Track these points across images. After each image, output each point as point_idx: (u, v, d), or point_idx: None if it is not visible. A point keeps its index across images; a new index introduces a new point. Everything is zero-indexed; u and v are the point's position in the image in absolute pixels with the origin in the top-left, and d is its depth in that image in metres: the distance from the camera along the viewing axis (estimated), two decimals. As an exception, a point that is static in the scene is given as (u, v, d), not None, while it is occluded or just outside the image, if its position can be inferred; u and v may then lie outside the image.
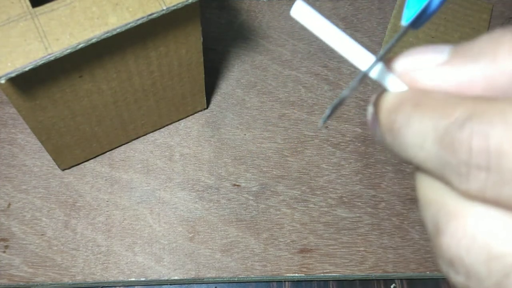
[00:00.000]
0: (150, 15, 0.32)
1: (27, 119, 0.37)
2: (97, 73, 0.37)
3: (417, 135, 0.16)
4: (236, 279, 0.44)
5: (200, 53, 0.41)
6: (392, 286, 0.45)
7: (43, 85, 0.35)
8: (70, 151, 0.44)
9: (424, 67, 0.17)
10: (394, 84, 0.18)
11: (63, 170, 0.47)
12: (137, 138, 0.48)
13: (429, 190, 0.16)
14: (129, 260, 0.44)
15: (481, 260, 0.14)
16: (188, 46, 0.39)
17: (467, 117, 0.14)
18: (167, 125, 0.49)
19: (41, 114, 0.37)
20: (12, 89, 0.34)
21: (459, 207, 0.15)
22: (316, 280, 0.45)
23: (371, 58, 0.18)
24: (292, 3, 0.20)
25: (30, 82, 0.34)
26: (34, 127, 0.39)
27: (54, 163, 0.46)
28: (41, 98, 0.36)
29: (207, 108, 0.50)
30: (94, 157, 0.47)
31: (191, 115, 0.49)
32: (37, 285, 0.43)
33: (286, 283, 0.45)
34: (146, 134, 0.48)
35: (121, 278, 0.43)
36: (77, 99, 0.38)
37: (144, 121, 0.46)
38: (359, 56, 0.19)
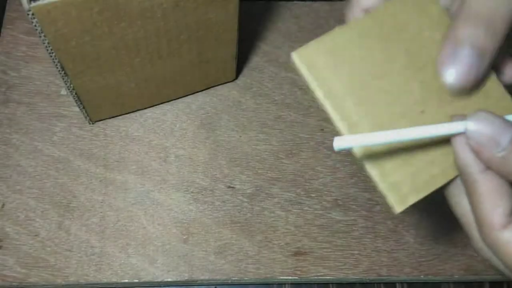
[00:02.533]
0: None
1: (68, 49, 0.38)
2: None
3: None
4: (229, 281, 0.44)
5: (236, 17, 0.42)
6: None
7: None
8: (102, 99, 0.45)
9: None
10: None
11: (94, 122, 0.48)
12: (168, 101, 0.50)
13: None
14: (122, 261, 0.44)
15: None
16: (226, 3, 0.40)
17: None
18: (197, 91, 0.50)
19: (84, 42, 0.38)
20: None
21: None
22: (316, 283, 0.45)
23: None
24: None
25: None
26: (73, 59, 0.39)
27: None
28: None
29: (236, 78, 0.51)
30: (124, 114, 0.49)
31: (221, 84, 0.51)
32: (30, 285, 0.43)
33: (287, 284, 0.45)
34: (177, 98, 0.50)
35: (114, 280, 0.43)
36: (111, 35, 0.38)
37: (175, 80, 0.47)
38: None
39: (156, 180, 0.47)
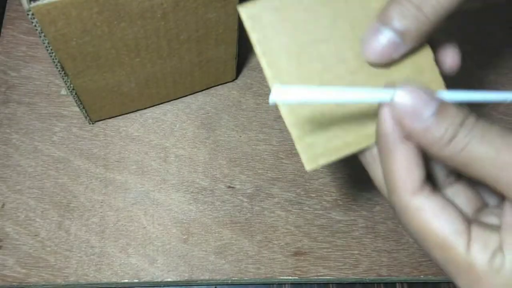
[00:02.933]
0: None
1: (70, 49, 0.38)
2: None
3: None
4: (229, 281, 0.44)
5: (236, 17, 0.42)
6: None
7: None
8: (102, 99, 0.45)
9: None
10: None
11: (94, 122, 0.48)
12: (168, 101, 0.50)
13: None
14: (122, 261, 0.44)
15: None
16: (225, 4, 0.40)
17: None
18: (197, 91, 0.51)
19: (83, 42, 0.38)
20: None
21: None
22: (316, 283, 0.45)
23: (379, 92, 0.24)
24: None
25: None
26: (74, 58, 0.39)
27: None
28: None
29: (236, 78, 0.51)
30: (124, 114, 0.50)
31: (221, 84, 0.51)
32: (30, 285, 0.43)
33: (287, 284, 0.45)
34: (177, 98, 0.50)
35: (114, 280, 0.43)
36: (110, 35, 0.38)
37: (175, 80, 0.47)
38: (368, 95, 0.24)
39: (156, 180, 0.47)
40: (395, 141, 0.25)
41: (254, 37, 0.26)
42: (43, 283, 0.42)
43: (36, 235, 0.44)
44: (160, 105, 0.50)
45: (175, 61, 0.44)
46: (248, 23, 0.25)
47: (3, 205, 0.45)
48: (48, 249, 0.44)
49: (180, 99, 0.50)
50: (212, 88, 0.51)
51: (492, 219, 0.26)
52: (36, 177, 0.46)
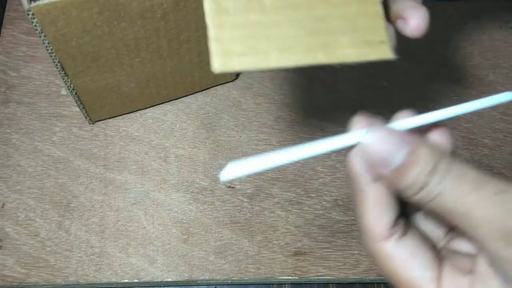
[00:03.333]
0: None
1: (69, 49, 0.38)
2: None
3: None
4: (229, 281, 0.44)
5: None
6: None
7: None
8: (102, 99, 0.45)
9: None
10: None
11: (94, 122, 0.48)
12: (168, 101, 0.50)
13: None
14: (122, 261, 0.44)
15: None
16: None
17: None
18: (197, 91, 0.50)
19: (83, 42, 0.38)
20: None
21: None
22: (316, 283, 0.45)
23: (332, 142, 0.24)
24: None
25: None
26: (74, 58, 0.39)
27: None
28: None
29: (236, 78, 0.52)
30: (124, 114, 0.50)
31: (221, 84, 0.51)
32: (30, 285, 0.43)
33: (287, 284, 0.45)
34: (177, 98, 0.50)
35: (114, 280, 0.43)
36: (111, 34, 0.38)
37: (175, 80, 0.47)
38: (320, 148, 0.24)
39: (156, 180, 0.47)
40: (365, 183, 0.24)
41: None
42: (43, 283, 0.42)
43: (36, 235, 0.44)
44: (160, 105, 0.50)
45: (175, 61, 0.44)
46: None
47: (3, 205, 0.45)
48: (48, 249, 0.44)
49: (180, 99, 0.50)
50: (212, 88, 0.51)
51: (464, 246, 0.25)
52: (36, 177, 0.46)
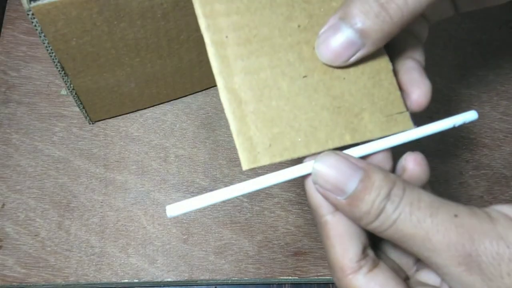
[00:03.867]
0: None
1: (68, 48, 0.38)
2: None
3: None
4: (229, 281, 0.44)
5: None
6: None
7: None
8: (102, 99, 0.45)
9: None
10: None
11: (94, 122, 0.48)
12: (168, 101, 0.50)
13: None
14: (122, 261, 0.44)
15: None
16: None
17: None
18: (197, 91, 0.50)
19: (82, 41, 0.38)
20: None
21: None
22: (316, 283, 0.45)
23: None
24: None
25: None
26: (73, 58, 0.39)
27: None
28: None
29: None
30: (124, 114, 0.49)
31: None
32: (30, 285, 0.43)
33: (287, 285, 0.45)
34: (177, 98, 0.50)
35: (114, 280, 0.43)
36: (111, 34, 0.38)
37: (175, 80, 0.47)
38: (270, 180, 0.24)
39: (156, 180, 0.47)
40: (326, 215, 0.24)
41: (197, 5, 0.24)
42: (43, 283, 0.42)
43: (36, 235, 0.44)
44: (160, 105, 0.50)
45: (175, 61, 0.44)
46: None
47: (3, 205, 0.45)
48: (48, 249, 0.44)
49: (180, 99, 0.50)
50: (212, 88, 0.51)
51: (431, 277, 0.25)
52: (36, 177, 0.46)
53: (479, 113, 0.55)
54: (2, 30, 0.53)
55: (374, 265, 0.24)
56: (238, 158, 0.48)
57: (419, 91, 0.27)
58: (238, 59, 0.25)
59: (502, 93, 0.53)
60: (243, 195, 0.24)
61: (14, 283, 0.42)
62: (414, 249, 0.22)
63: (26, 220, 0.45)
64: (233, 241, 0.45)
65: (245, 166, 0.24)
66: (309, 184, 0.24)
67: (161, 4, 0.37)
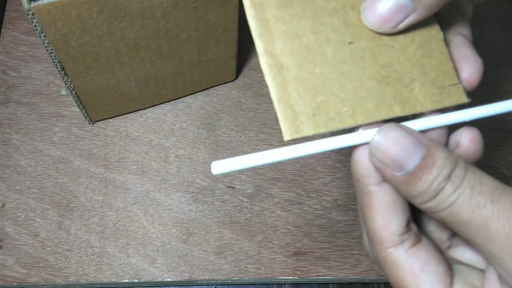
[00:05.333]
0: None
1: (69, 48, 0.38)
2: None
3: None
4: (229, 281, 0.44)
5: (236, 17, 0.42)
6: None
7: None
8: (102, 99, 0.45)
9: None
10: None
11: (94, 122, 0.48)
12: (168, 101, 0.50)
13: None
14: (122, 261, 0.44)
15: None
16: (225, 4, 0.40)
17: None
18: (197, 91, 0.50)
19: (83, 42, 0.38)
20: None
21: None
22: (316, 283, 0.45)
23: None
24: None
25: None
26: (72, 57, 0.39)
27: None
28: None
29: (236, 78, 0.51)
30: (124, 114, 0.49)
31: (221, 84, 0.51)
32: (30, 285, 0.43)
33: (287, 285, 0.45)
34: (177, 98, 0.50)
35: (114, 280, 0.43)
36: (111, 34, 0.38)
37: (175, 80, 0.47)
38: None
39: (156, 180, 0.47)
40: (371, 185, 0.22)
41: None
42: (43, 283, 0.42)
43: (36, 235, 0.44)
44: (160, 105, 0.50)
45: (175, 61, 0.44)
46: None
47: (3, 205, 0.45)
48: (48, 249, 0.44)
49: (180, 99, 0.50)
50: (212, 88, 0.51)
51: (467, 255, 0.24)
52: (36, 177, 0.46)
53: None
54: (2, 30, 0.53)
55: (417, 241, 0.23)
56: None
57: (471, 67, 0.25)
58: (279, 22, 0.23)
59: (502, 93, 0.53)
60: (274, 162, 0.23)
61: (14, 283, 0.42)
62: (467, 234, 0.21)
63: (26, 220, 0.45)
64: (233, 241, 0.45)
65: (287, 136, 0.23)
66: (360, 153, 0.22)
67: (161, 4, 0.37)
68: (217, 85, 0.51)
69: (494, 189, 0.21)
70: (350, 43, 0.24)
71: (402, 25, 0.23)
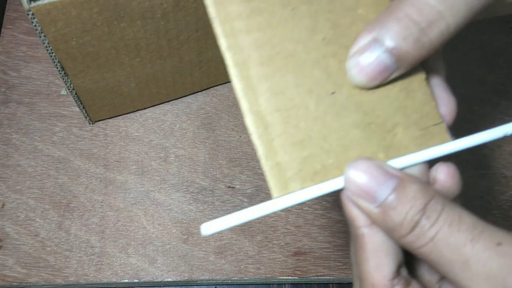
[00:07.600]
0: None
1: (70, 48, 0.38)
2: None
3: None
4: (229, 281, 0.44)
5: None
6: None
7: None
8: (102, 99, 0.45)
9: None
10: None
11: (94, 122, 0.48)
12: (168, 101, 0.50)
13: None
14: (122, 261, 0.44)
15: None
16: None
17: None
18: (197, 91, 0.50)
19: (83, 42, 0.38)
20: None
21: None
22: (316, 283, 0.45)
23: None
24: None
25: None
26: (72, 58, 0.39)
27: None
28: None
29: None
30: (124, 114, 0.50)
31: (221, 84, 0.51)
32: (30, 285, 0.43)
33: (287, 285, 0.45)
34: (177, 98, 0.50)
35: (114, 280, 0.43)
36: (111, 34, 0.38)
37: (175, 80, 0.47)
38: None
39: (156, 180, 0.47)
40: (361, 226, 0.23)
41: (217, 25, 0.23)
42: (43, 283, 0.42)
43: (36, 235, 0.44)
44: (160, 105, 0.50)
45: (175, 61, 0.44)
46: (211, 9, 0.23)
47: (3, 205, 0.45)
48: (48, 249, 0.44)
49: (180, 99, 0.50)
50: (212, 88, 0.51)
51: None
52: (36, 177, 0.46)
53: (479, 113, 0.54)
54: (2, 30, 0.53)
55: (407, 285, 0.23)
56: (238, 158, 0.49)
57: (445, 108, 0.26)
58: (262, 79, 0.23)
59: (502, 93, 0.53)
60: (263, 216, 0.24)
61: (14, 283, 0.42)
62: (451, 275, 0.21)
63: (26, 220, 0.45)
64: (233, 241, 0.45)
65: (275, 193, 0.23)
66: (343, 195, 0.23)
67: (161, 4, 0.37)
68: (217, 85, 0.51)
69: (474, 227, 0.21)
70: (332, 93, 0.24)
71: (383, 82, 0.24)
